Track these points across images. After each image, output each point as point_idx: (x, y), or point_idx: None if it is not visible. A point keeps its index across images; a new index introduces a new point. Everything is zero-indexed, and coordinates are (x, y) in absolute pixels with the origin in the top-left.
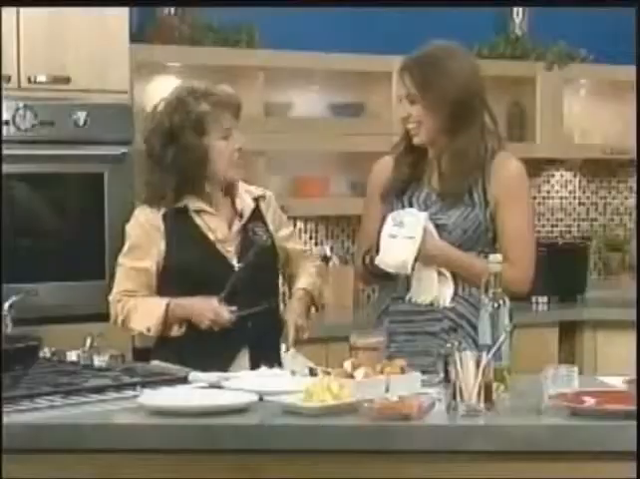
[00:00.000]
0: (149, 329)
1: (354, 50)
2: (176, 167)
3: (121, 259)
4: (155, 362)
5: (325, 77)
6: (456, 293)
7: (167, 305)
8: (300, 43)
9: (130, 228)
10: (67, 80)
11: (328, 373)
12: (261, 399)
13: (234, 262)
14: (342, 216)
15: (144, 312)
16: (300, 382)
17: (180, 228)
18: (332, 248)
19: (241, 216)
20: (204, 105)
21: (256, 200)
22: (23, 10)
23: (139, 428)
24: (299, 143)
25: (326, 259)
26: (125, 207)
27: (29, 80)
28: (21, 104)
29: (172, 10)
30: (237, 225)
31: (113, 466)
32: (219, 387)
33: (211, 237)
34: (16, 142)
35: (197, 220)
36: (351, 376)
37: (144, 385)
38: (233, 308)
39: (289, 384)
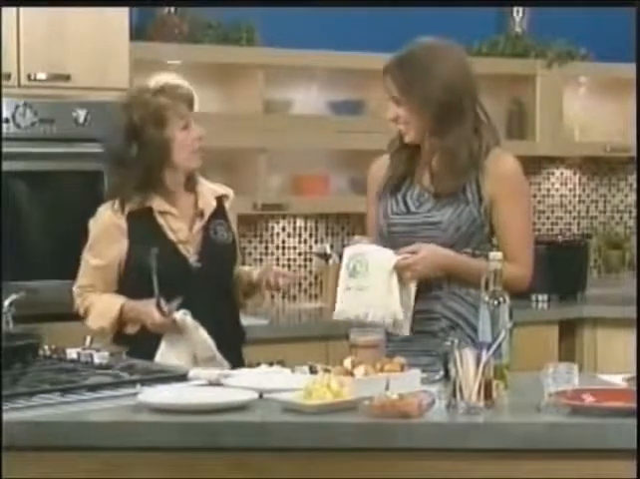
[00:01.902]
0: (103, 329)
1: (354, 48)
2: (140, 162)
3: (84, 254)
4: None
5: (325, 75)
6: (454, 292)
7: (121, 308)
8: (300, 41)
9: (92, 224)
10: (67, 77)
11: (328, 371)
12: (261, 397)
13: (194, 263)
14: (342, 213)
15: (99, 312)
16: (300, 380)
17: (143, 227)
18: (332, 246)
19: (202, 215)
20: (161, 98)
21: (219, 199)
22: (23, 8)
23: (138, 426)
24: (299, 140)
25: (326, 257)
26: None
27: (29, 77)
28: (21, 101)
29: (172, 8)
30: (198, 225)
31: (112, 464)
32: (219, 385)
33: (172, 237)
34: (16, 139)
35: (160, 220)
36: (351, 374)
37: (143, 383)
38: (165, 308)
39: (289, 382)
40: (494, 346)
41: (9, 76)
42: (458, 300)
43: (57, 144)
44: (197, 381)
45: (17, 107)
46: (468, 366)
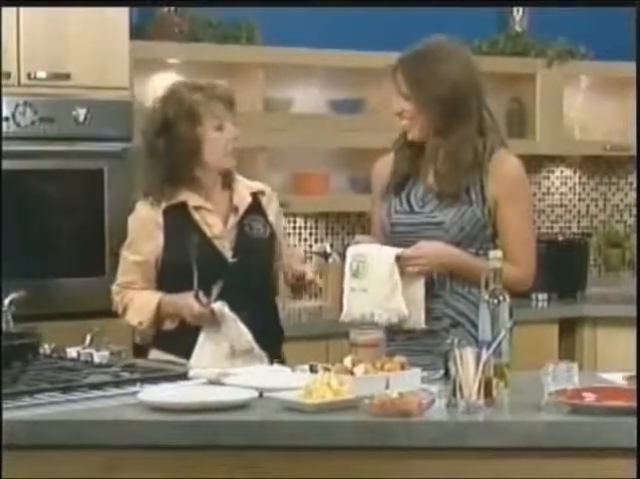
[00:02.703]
0: (141, 323)
1: (354, 46)
2: (169, 157)
3: (122, 252)
4: (154, 351)
5: (325, 73)
6: (456, 292)
7: (159, 302)
8: (300, 39)
9: (130, 221)
10: (67, 76)
11: (328, 370)
12: (261, 396)
13: (229, 257)
14: (342, 212)
15: (137, 307)
16: (300, 379)
17: (179, 223)
18: (332, 245)
19: (237, 211)
20: (197, 95)
21: (255, 194)
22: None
23: (138, 424)
24: (299, 139)
25: (326, 256)
26: (124, 202)
27: (29, 76)
28: (21, 100)
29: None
30: (232, 220)
31: (112, 462)
32: (219, 383)
33: (208, 232)
34: (16, 138)
35: (195, 215)
36: (351, 373)
37: (144, 381)
38: (204, 300)
39: (289, 381)
40: (494, 345)
41: (9, 75)
42: (460, 299)
43: (57, 142)
44: (198, 380)
45: (17, 106)
46: (468, 365)
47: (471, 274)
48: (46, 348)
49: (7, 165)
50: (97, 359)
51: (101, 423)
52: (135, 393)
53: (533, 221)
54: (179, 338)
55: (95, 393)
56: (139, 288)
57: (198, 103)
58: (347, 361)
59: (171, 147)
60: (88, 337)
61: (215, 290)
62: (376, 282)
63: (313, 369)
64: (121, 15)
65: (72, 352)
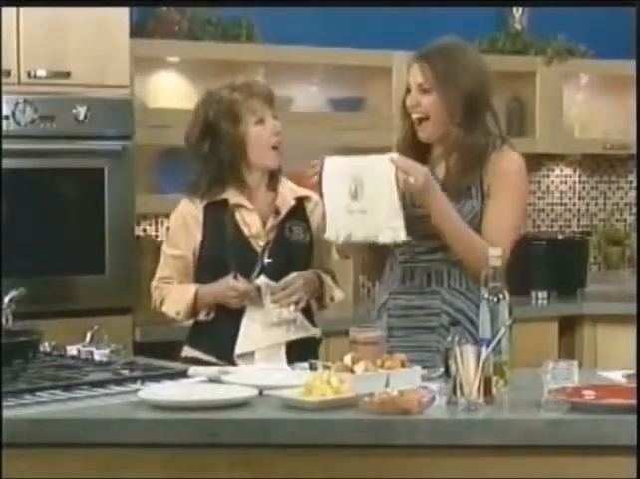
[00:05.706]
0: (178, 314)
1: (354, 45)
2: (215, 156)
3: (163, 247)
4: (186, 348)
5: (325, 71)
6: (454, 289)
7: (196, 292)
8: (300, 38)
9: (172, 217)
10: (67, 74)
11: (328, 368)
12: (261, 394)
13: (265, 258)
14: None
15: (175, 298)
16: (300, 377)
17: (218, 219)
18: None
19: (278, 212)
20: (235, 94)
21: (300, 199)
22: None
23: (138, 423)
24: (299, 137)
25: None
26: (124, 200)
27: (29, 74)
28: (21, 98)
29: None
30: (272, 221)
31: (112, 461)
32: (219, 382)
33: (246, 230)
34: (16, 136)
35: (236, 213)
36: (351, 371)
37: (144, 380)
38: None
39: (289, 379)
40: (495, 343)
41: (9, 73)
42: (458, 297)
43: (57, 141)
44: (197, 378)
45: (17, 104)
46: (468, 363)
47: (444, 223)
48: (46, 346)
49: (7, 163)
50: (97, 357)
51: (101, 421)
52: (135, 391)
53: (521, 216)
54: (212, 334)
55: (95, 391)
56: (176, 284)
57: (237, 101)
58: (347, 359)
59: (217, 147)
60: (88, 335)
61: (257, 268)
62: (376, 203)
63: (313, 367)
64: (121, 13)
65: (72, 350)
